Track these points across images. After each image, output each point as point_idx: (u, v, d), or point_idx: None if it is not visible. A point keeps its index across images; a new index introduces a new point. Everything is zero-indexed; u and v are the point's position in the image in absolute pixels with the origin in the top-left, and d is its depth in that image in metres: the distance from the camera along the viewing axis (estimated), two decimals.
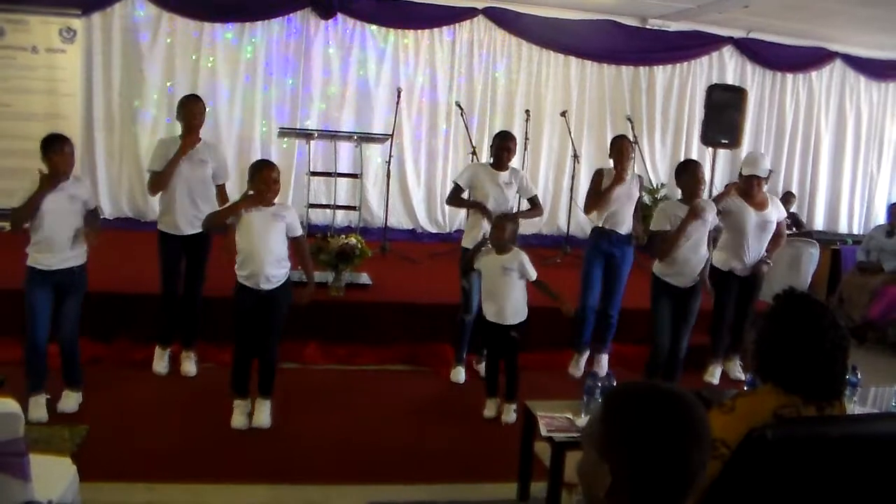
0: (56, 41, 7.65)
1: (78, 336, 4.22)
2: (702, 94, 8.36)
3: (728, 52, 9.58)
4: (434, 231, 9.03)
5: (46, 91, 7.66)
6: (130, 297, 5.29)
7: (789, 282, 5.52)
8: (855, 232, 9.99)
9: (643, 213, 5.64)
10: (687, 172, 4.66)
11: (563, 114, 8.46)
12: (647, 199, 7.58)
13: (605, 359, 5.40)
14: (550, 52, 9.11)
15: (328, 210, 7.67)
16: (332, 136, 7.63)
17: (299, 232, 4.22)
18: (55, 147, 3.93)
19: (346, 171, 8.00)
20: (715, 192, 6.84)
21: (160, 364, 4.88)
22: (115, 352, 5.01)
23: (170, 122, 8.03)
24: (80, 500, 2.75)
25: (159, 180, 4.66)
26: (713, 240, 4.99)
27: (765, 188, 5.38)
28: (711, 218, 4.70)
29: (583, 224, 8.16)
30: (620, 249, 5.23)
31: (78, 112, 7.85)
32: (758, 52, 9.59)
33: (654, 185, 8.81)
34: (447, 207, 8.95)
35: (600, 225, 5.26)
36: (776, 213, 5.30)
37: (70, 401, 4.17)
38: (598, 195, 5.22)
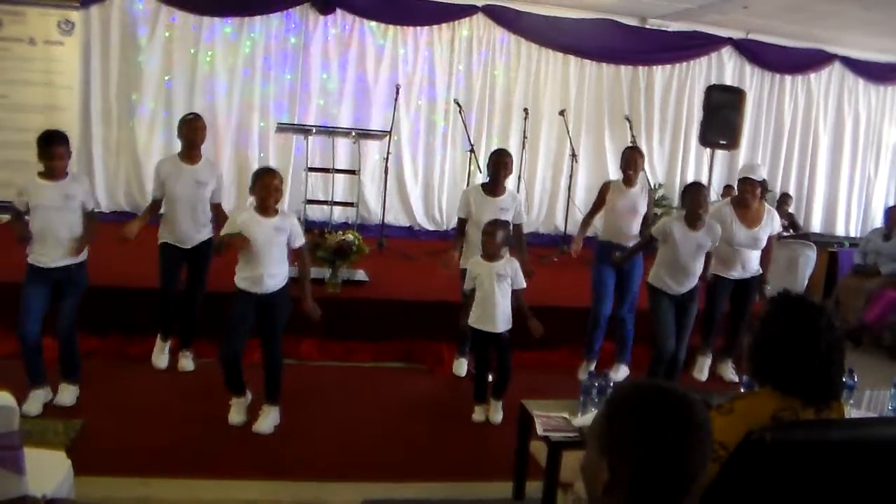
0: (54, 33, 7.63)
1: (76, 331, 4.21)
2: (700, 94, 8.35)
3: (727, 52, 9.60)
4: (431, 228, 9.03)
5: (44, 83, 7.63)
6: (126, 291, 5.28)
7: (786, 284, 5.54)
8: (852, 234, 10.00)
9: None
10: (688, 195, 4.64)
11: (562, 113, 8.47)
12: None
13: (623, 369, 5.22)
14: (549, 50, 9.11)
15: (325, 206, 7.69)
16: (330, 132, 7.63)
17: (301, 242, 4.17)
18: (51, 150, 3.92)
19: (343, 168, 7.98)
20: (714, 193, 6.82)
21: (160, 357, 4.87)
22: (110, 346, 5.01)
23: (167, 115, 8.03)
24: (75, 494, 2.74)
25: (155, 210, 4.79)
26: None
27: (767, 205, 5.36)
28: (712, 240, 4.64)
29: (580, 223, 8.14)
30: (629, 260, 5.13)
31: (75, 104, 7.84)
32: (757, 54, 9.61)
33: (652, 185, 8.81)
34: (444, 204, 8.97)
35: (606, 239, 5.25)
36: (769, 228, 5.24)
37: (66, 394, 4.16)
38: (590, 214, 5.50)
